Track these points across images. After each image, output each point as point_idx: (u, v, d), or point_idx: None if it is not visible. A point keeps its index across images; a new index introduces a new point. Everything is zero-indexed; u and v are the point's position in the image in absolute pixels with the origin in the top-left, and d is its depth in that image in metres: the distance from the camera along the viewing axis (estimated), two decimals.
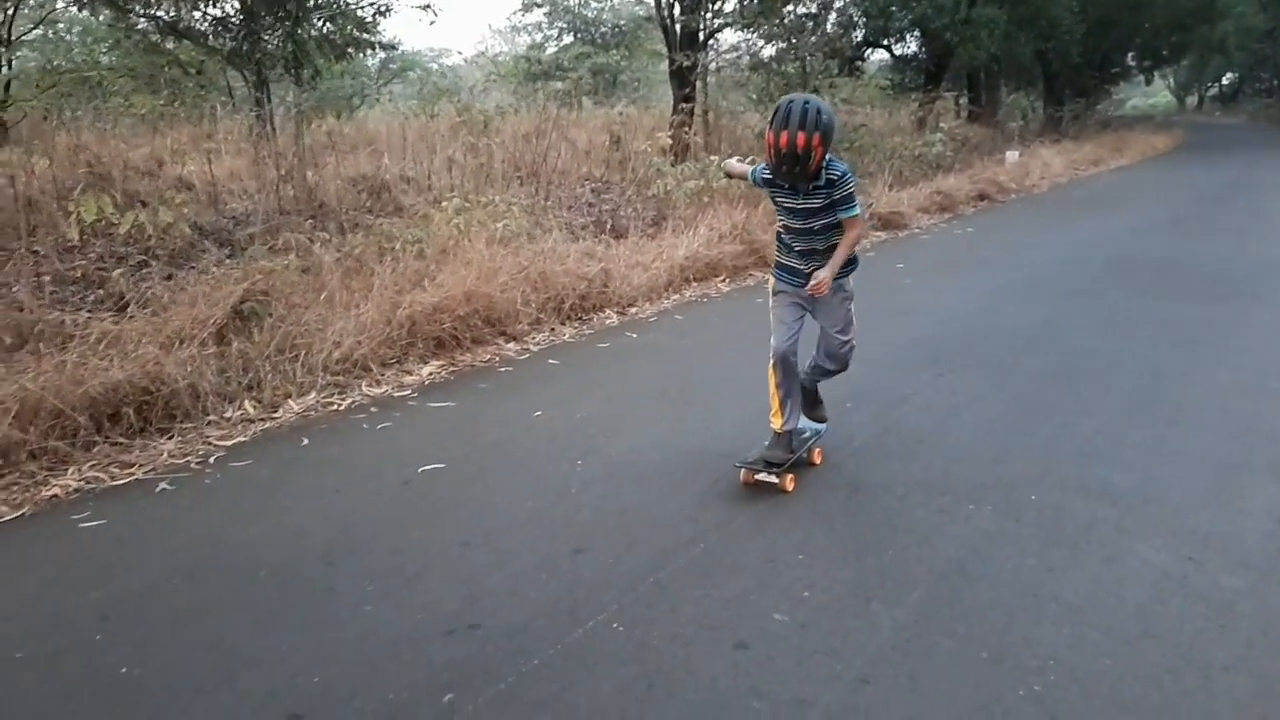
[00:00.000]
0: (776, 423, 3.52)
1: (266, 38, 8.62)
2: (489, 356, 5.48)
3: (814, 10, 15.79)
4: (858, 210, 3.41)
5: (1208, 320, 5.95)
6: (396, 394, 4.80)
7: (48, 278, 6.21)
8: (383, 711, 2.25)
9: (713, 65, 15.29)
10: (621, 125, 12.13)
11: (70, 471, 3.70)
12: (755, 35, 14.89)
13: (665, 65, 14.99)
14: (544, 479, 3.66)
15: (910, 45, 21.01)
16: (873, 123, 14.74)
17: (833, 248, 3.43)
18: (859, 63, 18.70)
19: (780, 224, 3.55)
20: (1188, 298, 6.59)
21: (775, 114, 3.15)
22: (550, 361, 5.41)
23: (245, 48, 10.08)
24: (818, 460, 3.68)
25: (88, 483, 3.66)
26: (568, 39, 28.81)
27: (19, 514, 3.41)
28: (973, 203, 12.21)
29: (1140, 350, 5.26)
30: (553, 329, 6.01)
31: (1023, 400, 4.47)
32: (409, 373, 5.10)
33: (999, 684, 2.34)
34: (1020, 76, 27.11)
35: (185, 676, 2.41)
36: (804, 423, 3.71)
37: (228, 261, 7.12)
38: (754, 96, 13.93)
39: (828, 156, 3.24)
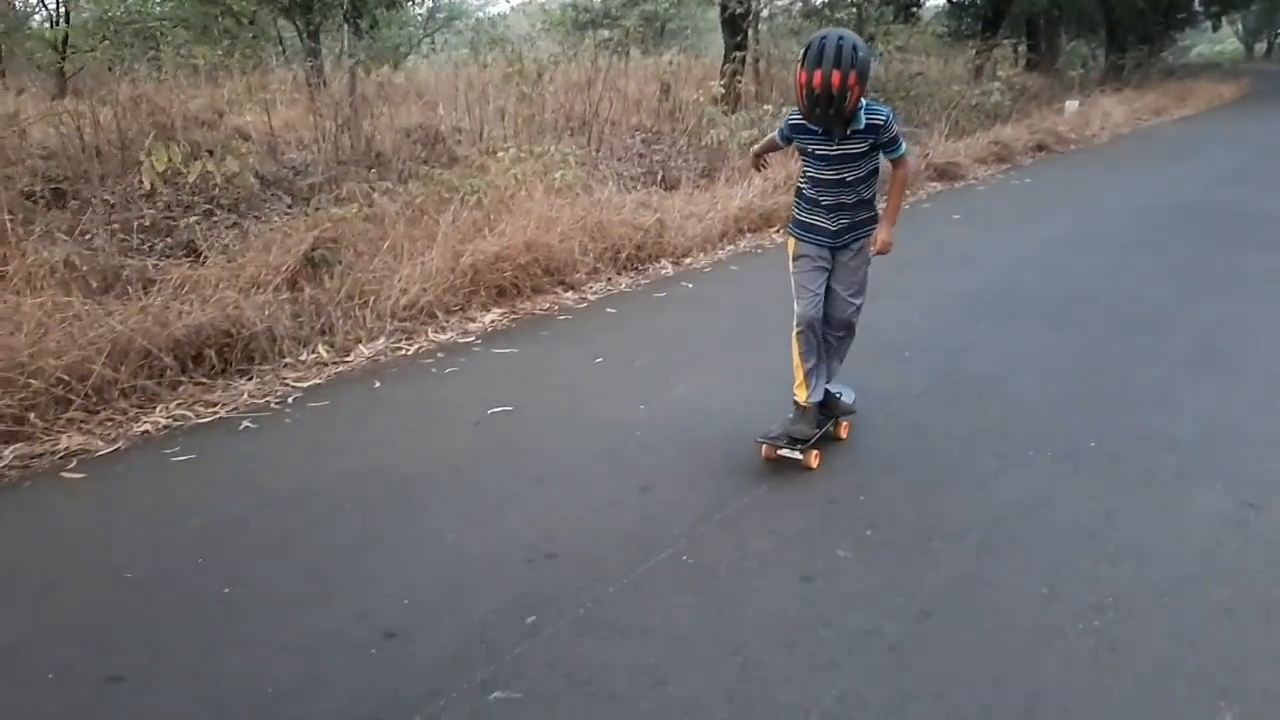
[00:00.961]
0: (801, 395, 3.33)
1: None
2: (548, 305, 5.59)
3: None
4: (905, 149, 3.24)
5: (1273, 272, 5.86)
6: (461, 340, 4.93)
7: (116, 225, 6.42)
8: (471, 631, 2.39)
9: (765, 12, 15.08)
10: (671, 74, 12.06)
11: (159, 409, 3.89)
12: None
13: (714, 13, 14.79)
14: (609, 421, 3.77)
15: None
16: (928, 71, 14.46)
17: (864, 202, 3.25)
18: (915, 9, 18.25)
19: (806, 177, 3.29)
20: (1253, 249, 6.48)
21: (806, 51, 2.89)
22: (608, 310, 5.51)
23: None
24: (844, 435, 3.51)
25: (175, 420, 3.85)
26: None
27: (114, 448, 3.61)
28: (1031, 153, 11.99)
29: (1204, 302, 5.22)
30: (609, 278, 6.09)
31: (1083, 351, 4.47)
32: (472, 320, 5.23)
33: (1059, 618, 2.42)
34: (1081, 23, 26.26)
35: (285, 597, 2.58)
36: (834, 387, 3.52)
37: (290, 210, 7.30)
38: (804, 43, 13.72)
39: (863, 99, 3.01)
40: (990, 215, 8.10)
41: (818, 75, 2.85)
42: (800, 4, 16.64)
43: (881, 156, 3.22)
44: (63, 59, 13.95)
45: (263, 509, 3.11)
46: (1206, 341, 4.57)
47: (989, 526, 2.88)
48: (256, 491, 3.24)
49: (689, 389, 4.08)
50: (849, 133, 3.07)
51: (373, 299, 4.94)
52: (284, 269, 4.82)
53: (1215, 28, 42.44)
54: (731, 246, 6.98)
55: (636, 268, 6.36)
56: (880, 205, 3.35)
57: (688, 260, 6.59)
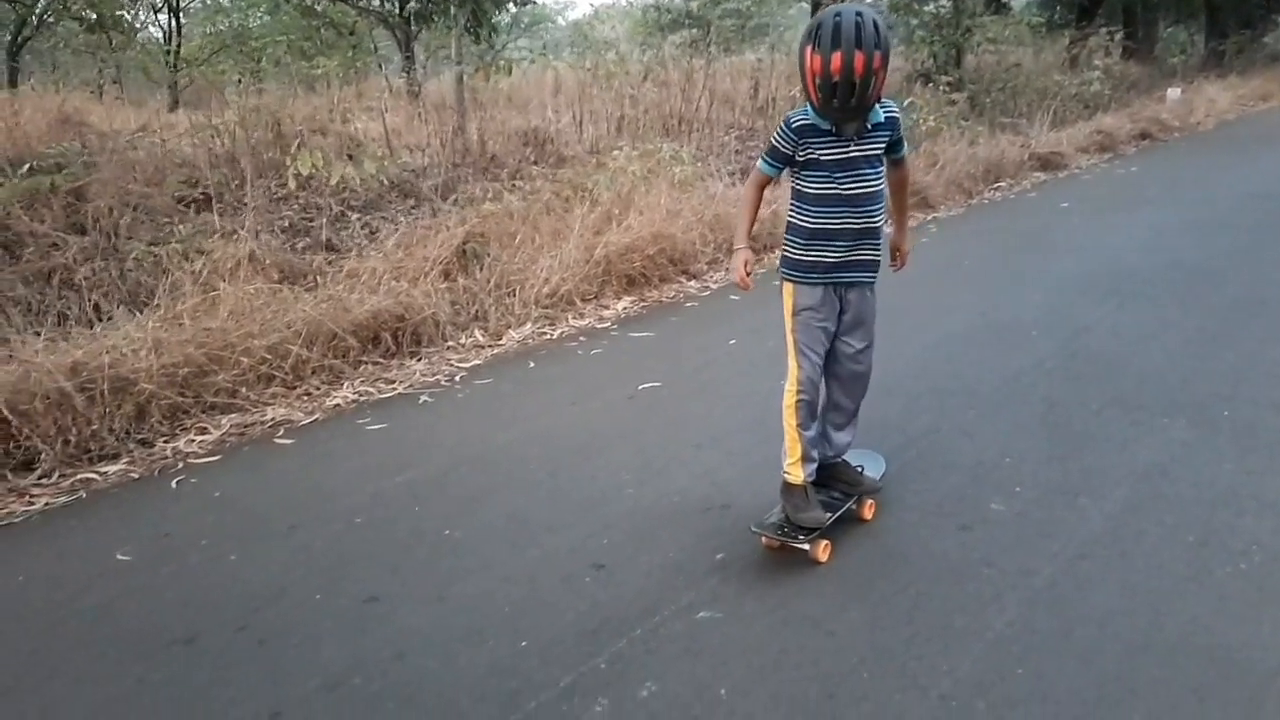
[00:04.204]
0: (796, 474, 2.78)
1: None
2: (674, 293, 5.92)
3: None
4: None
5: None
6: (598, 325, 5.29)
7: (260, 227, 6.96)
8: (668, 564, 2.72)
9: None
10: (760, 72, 12.28)
11: (345, 385, 4.33)
12: None
13: (795, 9, 14.93)
14: (751, 395, 4.06)
15: None
16: (1022, 62, 14.37)
17: (880, 226, 2.72)
18: (1006, 0, 18.08)
19: (806, 198, 2.68)
20: None
21: (817, 31, 2.39)
22: (732, 298, 5.79)
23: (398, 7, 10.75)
24: (868, 514, 2.95)
25: (361, 395, 4.27)
26: None
27: (312, 419, 4.05)
28: (1134, 142, 11.86)
29: None
30: (728, 268, 6.38)
31: (1207, 329, 4.59)
32: (606, 307, 5.59)
33: (1207, 561, 2.63)
34: (1180, 8, 25.51)
35: (497, 537, 2.94)
36: (856, 458, 3.04)
37: (414, 210, 7.76)
38: (900, 37, 13.78)
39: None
40: (1098, 202, 8.13)
41: (836, 58, 2.35)
42: None
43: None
44: (175, 73, 14.80)
45: (457, 468, 3.49)
46: None
47: (1133, 485, 3.08)
48: (447, 454, 3.63)
49: None
50: (869, 128, 2.58)
51: (518, 288, 5.33)
52: (440, 261, 5.23)
53: None
54: None
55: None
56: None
57: None
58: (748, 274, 2.76)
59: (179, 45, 16.23)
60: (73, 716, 2.21)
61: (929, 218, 7.86)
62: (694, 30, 21.84)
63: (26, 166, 6.66)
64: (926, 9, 13.89)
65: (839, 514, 2.83)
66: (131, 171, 7.00)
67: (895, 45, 14.03)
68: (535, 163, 9.67)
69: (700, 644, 2.36)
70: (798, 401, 2.77)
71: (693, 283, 6.09)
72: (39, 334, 4.26)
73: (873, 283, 2.81)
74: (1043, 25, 17.06)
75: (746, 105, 11.74)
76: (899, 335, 4.75)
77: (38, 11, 12.56)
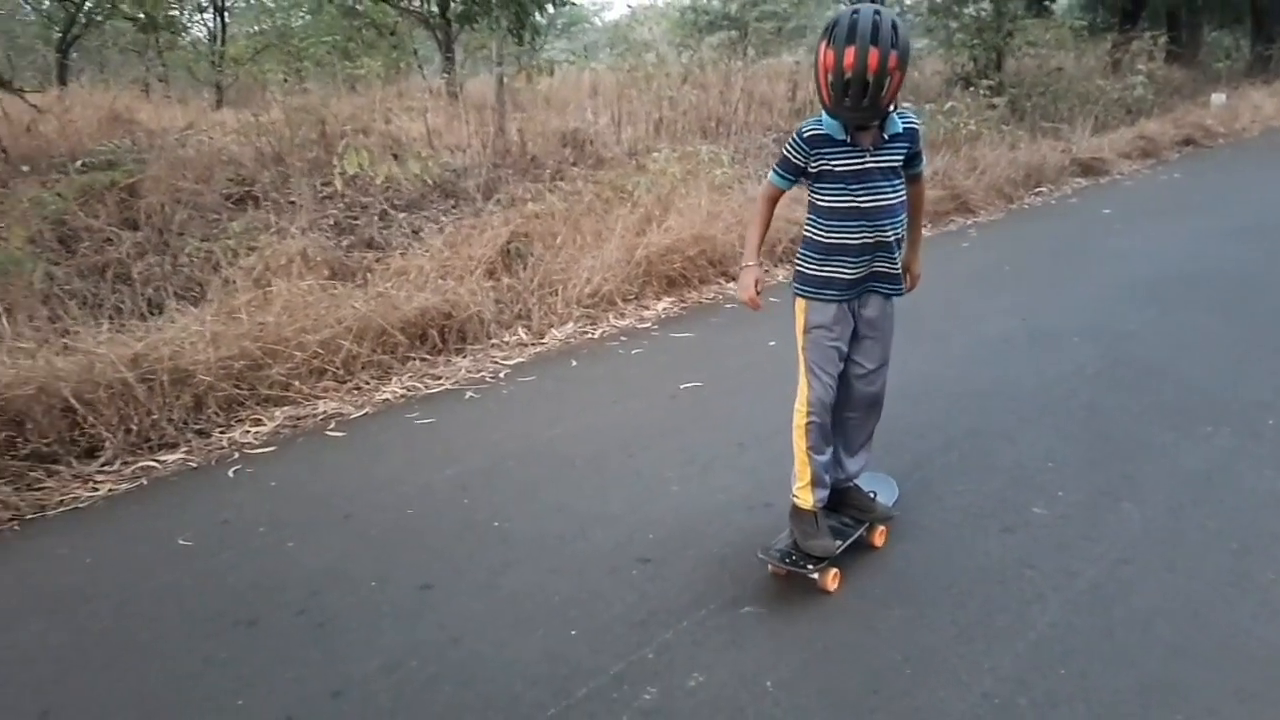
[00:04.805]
0: (806, 498, 2.67)
1: (493, 2, 9.32)
2: (713, 294, 5.97)
3: None
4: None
5: None
6: (639, 325, 5.35)
7: (303, 224, 7.10)
8: (713, 560, 2.78)
9: (894, 10, 15.12)
10: (797, 74, 12.29)
11: (394, 380, 4.43)
12: None
13: (831, 12, 14.91)
14: (792, 396, 4.08)
15: None
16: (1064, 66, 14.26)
17: (899, 240, 2.60)
18: (1048, 3, 17.93)
19: (822, 211, 2.56)
20: None
21: (833, 27, 2.30)
22: (771, 299, 5.76)
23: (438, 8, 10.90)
24: (879, 542, 2.84)
25: (409, 390, 4.37)
26: None
27: (363, 412, 4.15)
28: (1177, 148, 11.73)
29: None
30: (767, 269, 6.43)
31: (1251, 336, 4.57)
32: (646, 307, 5.65)
33: (1248, 568, 2.65)
34: (1225, 13, 25.13)
35: (545, 530, 3.02)
36: (868, 483, 2.92)
37: (455, 210, 7.87)
38: (940, 40, 13.74)
39: (891, 110, 2.46)
40: (1141, 209, 8.07)
41: (850, 54, 2.26)
42: (927, 1, 16.61)
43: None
44: (219, 73, 15.06)
45: (504, 462, 3.57)
46: None
47: (1176, 491, 3.10)
48: (494, 448, 3.71)
49: None
50: (886, 138, 2.48)
51: (560, 288, 5.41)
52: (484, 260, 5.32)
53: None
54: None
55: (791, 260, 6.66)
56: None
57: None
58: (757, 293, 2.69)
59: (224, 44, 16.51)
60: (144, 692, 2.31)
61: (969, 222, 7.85)
62: (732, 32, 21.89)
63: (79, 163, 6.86)
64: (967, 11, 13.83)
65: (850, 542, 2.71)
66: (181, 169, 7.18)
67: (935, 48, 14.01)
68: (574, 164, 9.76)
69: (746, 637, 2.42)
70: (808, 423, 2.66)
71: (732, 284, 6.13)
72: (108, 324, 4.41)
73: (892, 296, 2.68)
74: (1085, 29, 16.91)
75: (784, 108, 11.75)
76: (940, 337, 4.78)
77: (86, 10, 12.84)
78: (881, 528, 2.85)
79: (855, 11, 2.28)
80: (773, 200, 2.68)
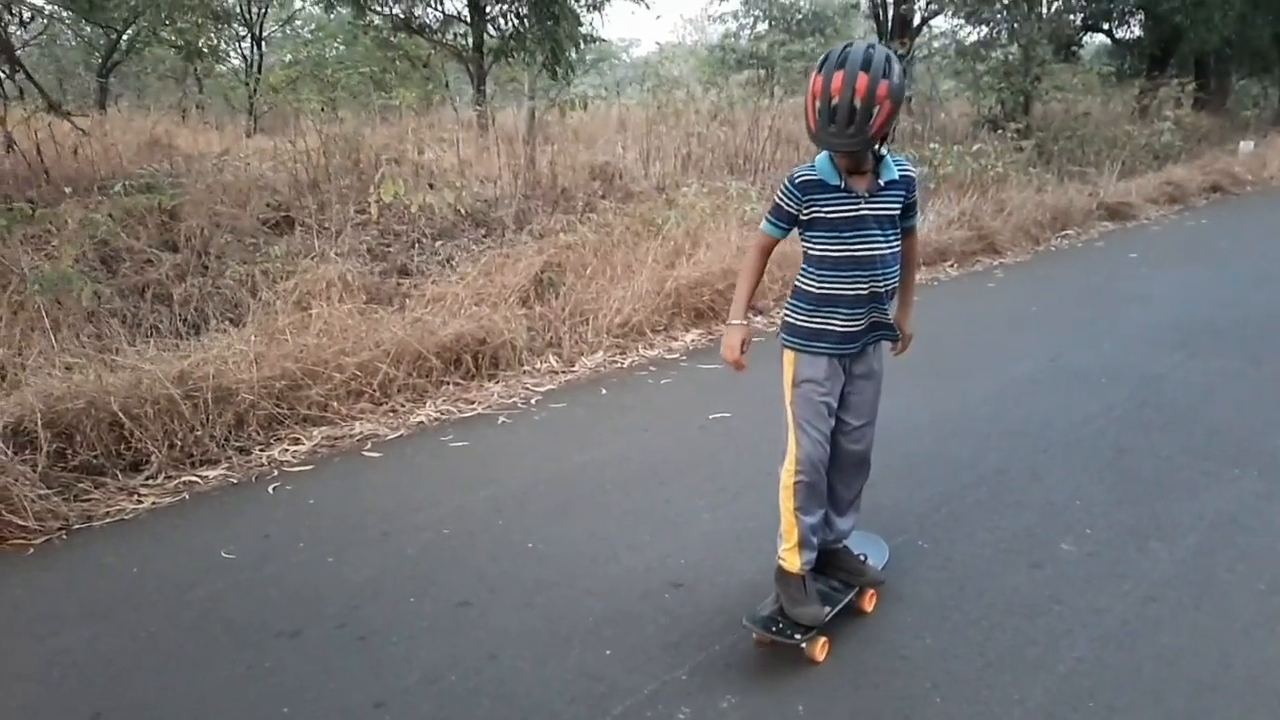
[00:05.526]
0: (793, 561, 2.53)
1: (530, 38, 9.56)
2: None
3: None
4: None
5: None
6: (668, 356, 5.43)
7: (341, 250, 7.24)
8: (745, 584, 2.83)
9: (921, 52, 15.32)
10: None
11: (428, 404, 4.52)
12: (967, 19, 14.82)
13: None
14: None
15: (1133, 29, 20.06)
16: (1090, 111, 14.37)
17: (892, 293, 2.50)
18: (1076, 48, 18.09)
19: (815, 259, 2.45)
20: None
21: (825, 57, 2.24)
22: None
23: (471, 42, 11.18)
24: (869, 606, 2.70)
25: (443, 414, 4.46)
26: (762, 27, 29.03)
27: (398, 434, 4.24)
28: (1204, 194, 11.78)
29: None
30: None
31: (1278, 382, 4.58)
32: (675, 338, 5.74)
33: (1277, 609, 2.67)
34: (1254, 60, 25.20)
35: (578, 552, 3.07)
36: (858, 544, 2.79)
37: (485, 240, 8.01)
38: (967, 83, 13.88)
39: (884, 153, 2.41)
40: (1168, 254, 8.11)
41: (838, 78, 2.17)
42: (954, 44, 16.80)
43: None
44: (255, 100, 15.40)
45: (536, 486, 3.64)
46: None
47: (1204, 532, 3.12)
48: (527, 472, 3.78)
49: (892, 405, 4.40)
50: (881, 185, 2.39)
51: (591, 317, 5.50)
52: (518, 289, 5.43)
53: None
54: None
55: None
56: None
57: None
58: (742, 353, 2.58)
59: (259, 72, 16.90)
60: (193, 697, 2.38)
61: (996, 263, 7.90)
62: (760, 71, 22.17)
63: (119, 185, 7.04)
64: (994, 55, 13.99)
65: (839, 608, 2.57)
66: (219, 193, 7.36)
67: (962, 91, 14.14)
68: (603, 197, 9.92)
69: (778, 662, 2.46)
70: (797, 483, 2.51)
71: (759, 319, 6.21)
72: (147, 343, 4.54)
73: (885, 341, 2.58)
74: (1113, 74, 17.04)
75: (811, 147, 11.87)
76: (968, 375, 4.83)
77: (128, 36, 13.23)
78: (872, 591, 2.72)
79: (849, 44, 2.25)
80: (766, 251, 2.56)
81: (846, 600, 2.61)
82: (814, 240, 2.43)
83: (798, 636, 2.44)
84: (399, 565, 3.03)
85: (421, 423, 4.35)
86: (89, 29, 13.80)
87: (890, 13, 14.72)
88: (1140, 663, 2.44)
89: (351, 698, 2.35)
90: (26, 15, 10.54)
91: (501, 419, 4.41)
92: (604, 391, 4.82)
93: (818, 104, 2.21)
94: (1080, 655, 2.47)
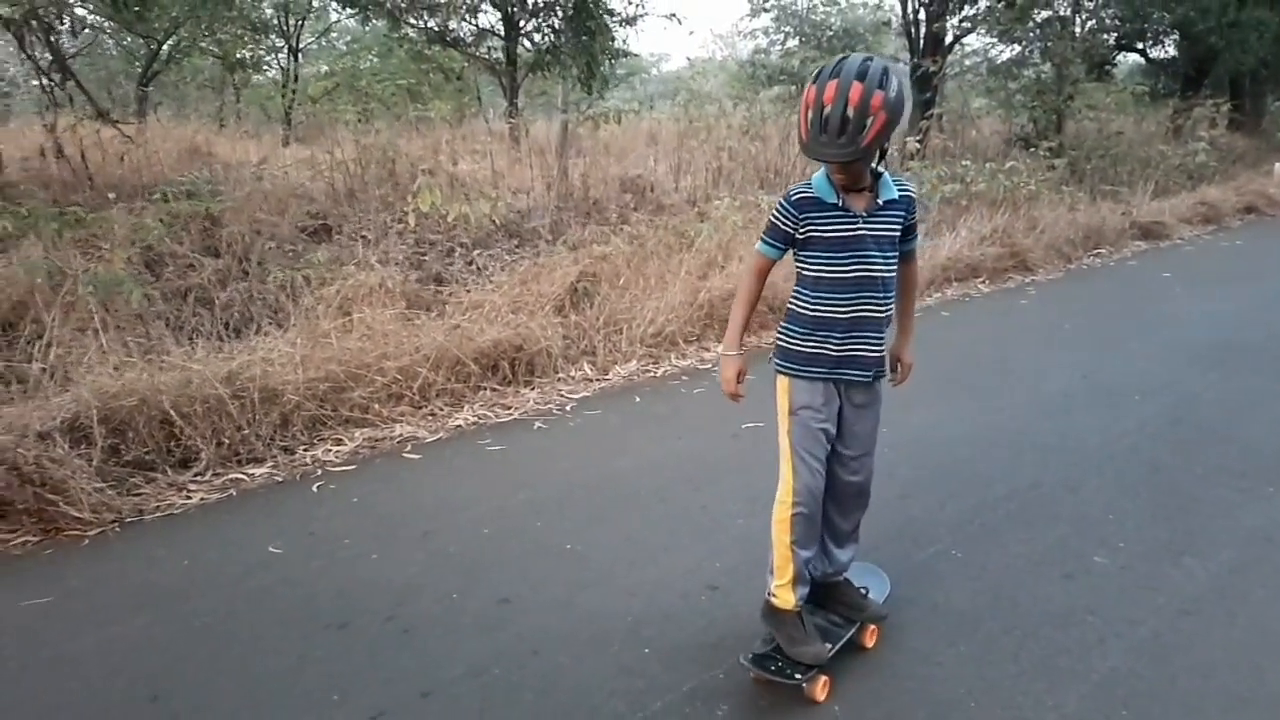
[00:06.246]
0: (786, 599, 2.43)
1: (565, 52, 9.70)
2: (772, 339, 6.04)
3: (1066, 12, 15.46)
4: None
5: None
6: (700, 366, 5.49)
7: (380, 257, 7.37)
8: None
9: (952, 70, 15.33)
10: None
11: (466, 409, 4.61)
12: (999, 38, 14.83)
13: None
14: None
15: (1168, 49, 19.95)
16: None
17: (889, 318, 2.42)
18: (1109, 67, 18.02)
19: (809, 281, 2.37)
20: None
21: (819, 70, 2.17)
22: None
23: (505, 56, 11.35)
24: (870, 643, 2.60)
25: (480, 419, 4.54)
26: (793, 43, 29.08)
27: (436, 437, 4.32)
28: (1239, 215, 11.70)
29: None
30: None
31: None
32: (707, 349, 5.79)
33: None
34: None
35: (616, 555, 3.14)
36: (858, 576, 2.70)
37: (517, 250, 8.11)
38: (999, 101, 13.86)
39: (882, 170, 2.34)
40: (1202, 274, 8.07)
41: (831, 87, 2.11)
42: (986, 62, 16.80)
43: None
44: (291, 110, 15.66)
45: (573, 490, 3.71)
46: None
47: (1239, 548, 3.13)
48: (563, 476, 3.85)
49: (925, 417, 4.46)
50: (880, 204, 2.31)
51: (625, 327, 5.58)
52: (553, 298, 5.52)
53: None
54: (939, 294, 7.30)
55: None
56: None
57: None
58: (739, 384, 2.54)
59: (295, 83, 17.18)
60: (246, 683, 2.46)
61: (1028, 280, 7.91)
62: (790, 87, 22.23)
63: (160, 192, 7.21)
64: (1026, 74, 13.98)
65: (841, 644, 2.47)
66: (259, 201, 7.53)
67: (994, 108, 14.11)
68: (635, 209, 10.02)
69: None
70: (794, 515, 2.42)
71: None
72: (190, 345, 4.65)
73: (877, 380, 2.46)
74: (1146, 94, 16.95)
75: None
76: (1001, 390, 4.85)
77: (168, 47, 13.53)
78: (873, 627, 2.61)
79: (844, 56, 2.18)
80: (762, 273, 2.47)
81: (848, 636, 2.52)
82: (809, 260, 2.34)
83: (798, 676, 2.35)
84: (441, 563, 3.10)
85: (459, 426, 4.43)
86: (128, 39, 14.12)
87: (922, 30, 14.71)
88: (1174, 674, 2.46)
89: (399, 687, 2.42)
90: (77, 26, 10.81)
91: (537, 425, 4.48)
92: (637, 400, 4.88)
93: (809, 114, 2.15)
94: (1114, 665, 2.50)
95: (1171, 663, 2.51)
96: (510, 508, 3.53)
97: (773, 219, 2.36)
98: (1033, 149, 11.22)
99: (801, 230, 2.32)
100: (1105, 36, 17.53)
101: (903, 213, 2.35)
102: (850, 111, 2.08)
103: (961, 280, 7.63)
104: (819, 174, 2.32)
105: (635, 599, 2.85)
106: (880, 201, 2.31)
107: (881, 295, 2.34)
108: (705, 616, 2.74)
